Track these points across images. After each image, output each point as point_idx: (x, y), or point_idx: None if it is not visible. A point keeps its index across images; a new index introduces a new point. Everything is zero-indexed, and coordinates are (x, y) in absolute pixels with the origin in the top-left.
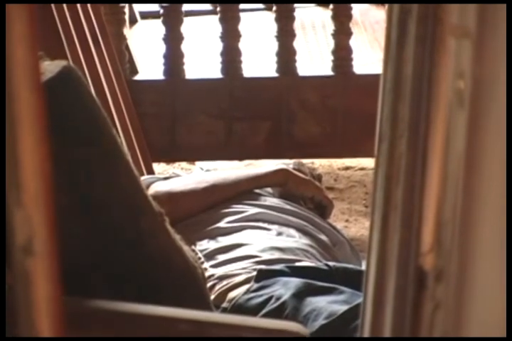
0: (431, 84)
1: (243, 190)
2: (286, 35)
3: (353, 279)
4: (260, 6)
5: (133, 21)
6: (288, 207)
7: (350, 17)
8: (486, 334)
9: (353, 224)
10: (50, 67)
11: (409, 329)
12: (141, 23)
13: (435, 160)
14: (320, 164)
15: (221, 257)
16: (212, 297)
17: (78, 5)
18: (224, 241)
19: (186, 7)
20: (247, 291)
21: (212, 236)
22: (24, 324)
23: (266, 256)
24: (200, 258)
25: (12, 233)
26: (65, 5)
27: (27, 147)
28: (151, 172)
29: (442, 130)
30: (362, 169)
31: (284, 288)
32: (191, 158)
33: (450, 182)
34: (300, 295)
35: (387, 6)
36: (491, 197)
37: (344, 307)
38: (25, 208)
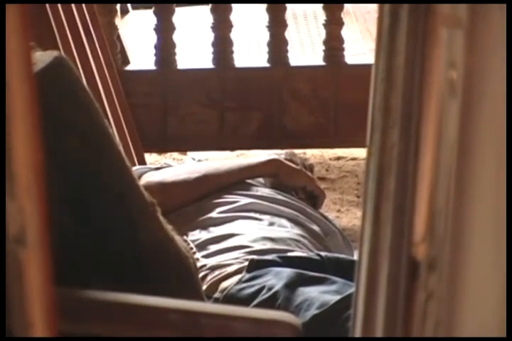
0: (423, 74)
1: (235, 181)
2: (277, 25)
3: (345, 269)
4: None
5: (124, 12)
6: (280, 197)
7: (341, 7)
8: (480, 324)
9: (345, 214)
10: (42, 58)
11: (402, 319)
12: (132, 13)
13: (428, 150)
14: (312, 154)
15: (213, 247)
16: (204, 287)
17: None
18: (216, 231)
19: None
20: (239, 281)
21: (204, 226)
22: (16, 313)
23: (258, 246)
24: (192, 248)
25: (5, 224)
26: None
27: (19, 139)
28: (142, 162)
29: (434, 119)
30: (353, 159)
31: (276, 278)
32: (183, 149)
33: (443, 171)
34: (292, 285)
35: None
36: (484, 186)
37: (336, 298)
38: (18, 199)
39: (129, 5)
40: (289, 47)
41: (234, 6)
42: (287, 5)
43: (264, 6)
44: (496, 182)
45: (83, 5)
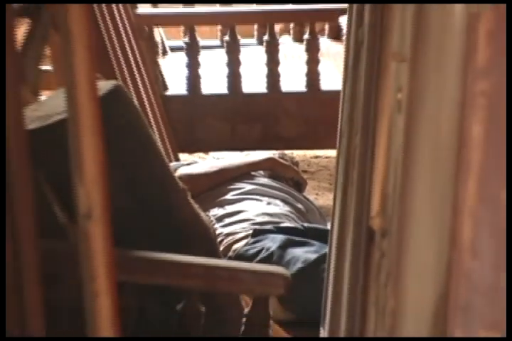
0: (377, 96)
1: (243, 173)
2: (273, 63)
3: (321, 236)
4: (254, 42)
5: (164, 53)
6: (275, 184)
7: (318, 49)
8: (419, 274)
9: (321, 196)
10: (104, 85)
11: (363, 271)
12: (170, 54)
13: (381, 151)
14: (297, 154)
15: (227, 220)
16: (221, 248)
17: (125, 41)
18: (229, 208)
19: (202, 43)
20: (246, 244)
21: (221, 205)
22: (86, 271)
23: (259, 219)
24: (212, 221)
25: (77, 204)
26: (115, 40)
27: (88, 143)
28: (177, 159)
29: (386, 129)
30: (327, 157)
31: (272, 242)
32: (206, 150)
33: (392, 166)
34: (283, 247)
35: (344, 40)
36: (422, 176)
37: (315, 255)
38: (86, 186)
39: (168, 48)
40: (281, 79)
41: (242, 49)
42: (280, 48)
43: (263, 48)
44: (430, 173)
45: (135, 46)
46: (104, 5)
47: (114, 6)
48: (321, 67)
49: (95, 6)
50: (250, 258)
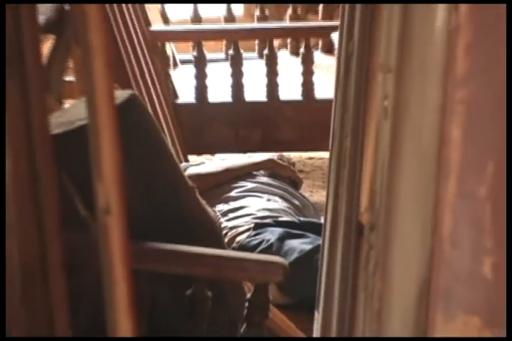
0: (366, 103)
1: (245, 172)
2: (272, 74)
3: (315, 229)
4: (256, 55)
5: (175, 65)
6: (274, 182)
7: (312, 62)
8: (404, 265)
9: (315, 193)
10: (121, 94)
11: (353, 261)
12: (180, 66)
13: (369, 153)
14: (294, 156)
15: (231, 215)
16: (225, 240)
17: (140, 54)
18: (233, 204)
19: (209, 56)
20: (248, 237)
21: (226, 201)
22: (105, 260)
23: (260, 214)
24: (218, 215)
25: (96, 200)
26: (131, 53)
27: (105, 145)
28: (186, 160)
29: (374, 133)
30: (321, 159)
31: (272, 235)
32: (212, 152)
33: (379, 166)
34: (282, 239)
35: (336, 54)
36: (406, 175)
37: (310, 246)
38: (105, 184)
39: (178, 60)
40: (279, 88)
41: (244, 62)
42: (278, 61)
43: (264, 61)
44: (414, 172)
45: (149, 59)
46: (120, 21)
47: (129, 22)
48: (315, 78)
49: (113, 22)
50: (252, 249)
